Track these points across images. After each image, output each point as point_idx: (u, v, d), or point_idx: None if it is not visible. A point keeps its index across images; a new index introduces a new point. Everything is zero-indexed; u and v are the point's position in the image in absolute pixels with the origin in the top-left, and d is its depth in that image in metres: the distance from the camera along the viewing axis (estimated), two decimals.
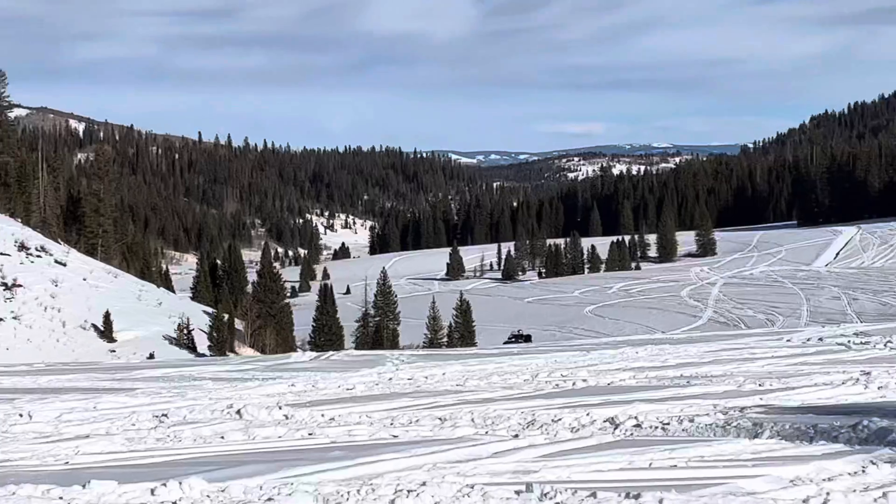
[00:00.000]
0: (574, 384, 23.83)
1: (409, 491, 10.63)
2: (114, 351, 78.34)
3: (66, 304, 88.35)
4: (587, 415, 17.12)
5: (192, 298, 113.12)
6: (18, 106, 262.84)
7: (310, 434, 16.26)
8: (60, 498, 10.60)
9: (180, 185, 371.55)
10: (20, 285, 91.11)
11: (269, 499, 10.45)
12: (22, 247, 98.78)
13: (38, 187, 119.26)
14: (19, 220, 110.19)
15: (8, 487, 10.92)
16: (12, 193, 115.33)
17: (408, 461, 12.90)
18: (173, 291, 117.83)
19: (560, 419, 16.85)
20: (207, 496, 10.67)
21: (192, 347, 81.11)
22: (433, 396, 21.90)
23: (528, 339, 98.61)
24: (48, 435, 16.85)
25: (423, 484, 11.02)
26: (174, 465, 13.16)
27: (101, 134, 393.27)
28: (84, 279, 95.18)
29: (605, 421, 16.49)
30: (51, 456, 14.20)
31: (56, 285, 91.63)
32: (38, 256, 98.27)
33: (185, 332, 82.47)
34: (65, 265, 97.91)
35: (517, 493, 10.51)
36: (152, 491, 10.85)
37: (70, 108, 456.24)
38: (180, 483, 10.96)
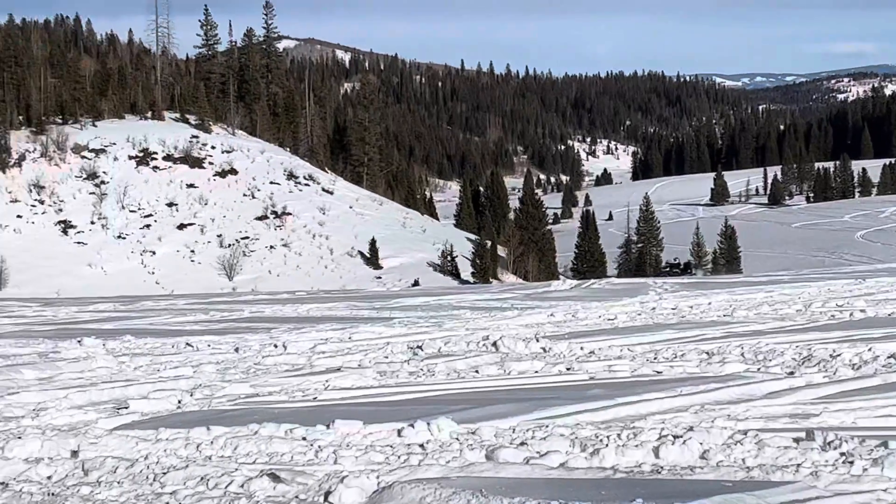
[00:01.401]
0: (851, 315, 22.26)
1: (674, 437, 9.62)
2: (379, 277, 79.42)
3: (333, 232, 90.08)
4: (869, 350, 15.72)
5: (456, 225, 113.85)
6: (286, 38, 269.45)
7: (567, 369, 15.38)
8: (303, 438, 10.04)
9: (443, 113, 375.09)
10: (290, 213, 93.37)
11: (522, 443, 9.63)
12: (291, 175, 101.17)
13: (305, 117, 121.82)
14: (288, 149, 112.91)
15: (250, 427, 10.45)
16: (281, 123, 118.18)
17: (672, 401, 11.89)
18: (437, 219, 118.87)
19: (839, 354, 15.47)
20: (456, 439, 9.93)
21: (455, 274, 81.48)
22: (699, 328, 20.74)
23: (685, 268, 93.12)
24: (300, 368, 16.49)
25: (690, 429, 9.99)
26: (424, 402, 12.51)
27: (367, 64, 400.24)
28: (350, 207, 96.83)
29: (889, 357, 15.05)
30: (299, 391, 13.76)
31: (323, 213, 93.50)
32: (306, 185, 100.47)
33: (449, 258, 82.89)
34: (332, 193, 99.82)
35: (796, 440, 9.35)
36: (399, 432, 10.19)
37: (336, 39, 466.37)
38: (428, 424, 10.25)
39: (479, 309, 28.96)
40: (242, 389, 13.89)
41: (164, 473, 8.70)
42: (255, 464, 9.10)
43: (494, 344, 18.21)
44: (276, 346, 19.44)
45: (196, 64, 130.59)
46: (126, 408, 12.48)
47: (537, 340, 18.53)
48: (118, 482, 8.59)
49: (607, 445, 9.38)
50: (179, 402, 12.95)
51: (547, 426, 10.37)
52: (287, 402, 12.75)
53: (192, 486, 8.35)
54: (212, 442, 9.97)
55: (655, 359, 16.34)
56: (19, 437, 10.43)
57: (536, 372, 15.20)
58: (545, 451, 9.23)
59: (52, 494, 8.29)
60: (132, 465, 9.00)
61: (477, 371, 15.39)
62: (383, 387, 14.00)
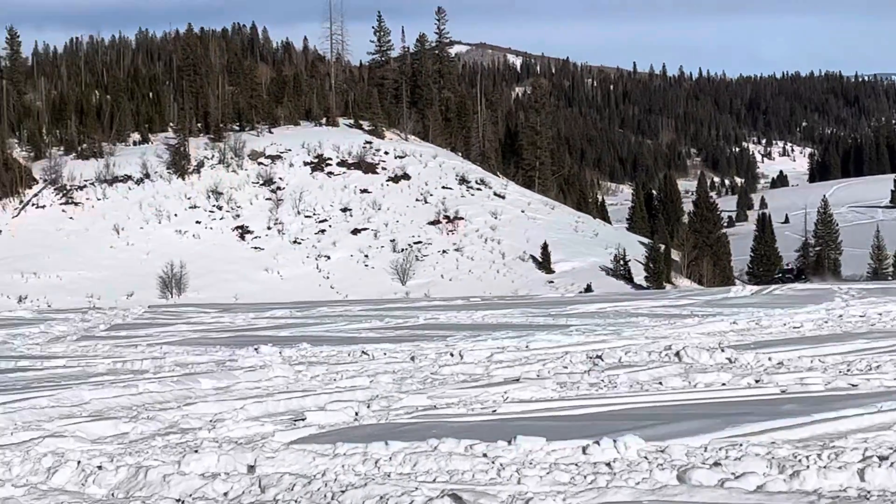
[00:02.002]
0: None
1: (879, 458, 8.94)
2: (552, 282, 78.89)
3: (505, 236, 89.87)
4: None
5: (628, 229, 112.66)
6: (458, 43, 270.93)
7: (756, 381, 14.67)
8: (484, 455, 9.64)
9: (615, 115, 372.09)
10: (462, 218, 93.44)
11: (716, 463, 9.08)
12: (462, 180, 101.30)
13: (477, 122, 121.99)
14: (460, 153, 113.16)
15: (430, 441, 10.09)
16: (453, 128, 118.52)
17: (873, 418, 11.15)
18: (609, 222, 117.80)
19: None
20: (645, 457, 9.42)
21: (628, 278, 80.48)
22: (892, 338, 19.72)
23: (797, 275, 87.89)
24: (477, 378, 16.10)
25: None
26: (608, 416, 11.99)
27: (538, 67, 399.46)
28: (522, 211, 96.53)
29: None
30: (478, 403, 13.36)
31: (495, 217, 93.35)
32: (478, 189, 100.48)
33: (622, 262, 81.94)
34: (503, 198, 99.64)
35: None
36: (584, 449, 9.72)
37: (507, 43, 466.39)
38: (615, 441, 9.76)
39: (657, 316, 28.23)
40: (420, 401, 13.56)
41: (343, 492, 8.39)
42: (435, 482, 8.75)
43: (677, 354, 17.58)
44: (452, 354, 19.12)
45: (369, 70, 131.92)
46: (303, 420, 12.26)
47: (722, 350, 17.83)
48: (295, 500, 8.34)
49: (808, 467, 8.78)
50: (356, 414, 12.68)
51: (741, 444, 9.79)
52: (466, 415, 12.36)
53: None
54: (390, 458, 9.65)
55: (849, 371, 15.53)
56: (196, 451, 10.28)
57: (724, 384, 14.54)
58: (741, 473, 8.72)
59: None
60: (309, 483, 8.72)
61: (660, 383, 14.81)
62: (564, 399, 13.52)
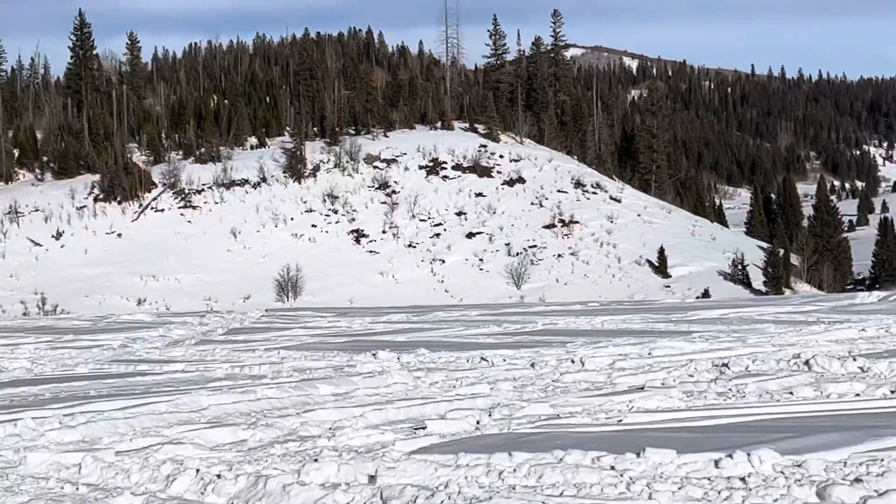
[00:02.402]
0: None
1: None
2: (668, 286, 77.96)
3: (620, 240, 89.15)
4: None
5: (746, 233, 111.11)
6: (574, 46, 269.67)
7: (892, 392, 14.08)
8: (612, 468, 9.29)
9: (733, 118, 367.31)
10: (577, 221, 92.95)
11: (857, 479, 8.63)
12: (578, 184, 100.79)
13: (592, 125, 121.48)
14: (575, 157, 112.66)
15: (555, 453, 9.75)
16: (568, 131, 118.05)
17: None
18: (726, 226, 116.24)
19: None
20: (781, 472, 8.99)
21: (746, 283, 79.18)
22: None
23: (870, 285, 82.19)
24: (600, 386, 15.72)
25: None
26: (739, 428, 11.54)
27: (654, 70, 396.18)
28: (638, 215, 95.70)
29: None
30: (602, 412, 12.97)
31: (611, 221, 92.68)
32: (594, 193, 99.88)
33: (740, 267, 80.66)
34: (619, 201, 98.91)
35: None
36: (716, 463, 9.31)
37: (623, 46, 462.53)
38: (748, 455, 9.34)
39: (782, 322, 27.48)
40: (542, 410, 13.22)
41: None
42: (562, 496, 8.43)
43: (807, 362, 17.00)
44: (573, 361, 18.74)
45: (484, 73, 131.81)
46: (423, 428, 12.00)
47: (854, 359, 17.20)
48: None
49: None
50: (478, 422, 12.39)
51: (882, 460, 9.31)
52: (590, 425, 12.00)
53: None
54: (514, 469, 9.33)
55: None
56: (315, 460, 10.07)
57: (858, 395, 13.97)
58: (884, 490, 8.27)
59: None
60: (432, 495, 8.44)
61: (791, 393, 14.28)
62: (691, 409, 13.08)
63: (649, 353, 19.89)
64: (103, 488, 9.61)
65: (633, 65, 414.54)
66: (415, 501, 8.36)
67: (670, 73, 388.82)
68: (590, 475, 9.03)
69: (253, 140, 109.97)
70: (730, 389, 14.65)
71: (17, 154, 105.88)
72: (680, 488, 8.51)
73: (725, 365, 17.16)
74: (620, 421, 12.23)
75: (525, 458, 9.69)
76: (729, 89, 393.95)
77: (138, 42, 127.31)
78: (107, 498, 9.09)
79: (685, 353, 19.66)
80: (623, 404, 13.50)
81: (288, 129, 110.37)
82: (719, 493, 8.39)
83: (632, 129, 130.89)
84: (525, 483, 8.97)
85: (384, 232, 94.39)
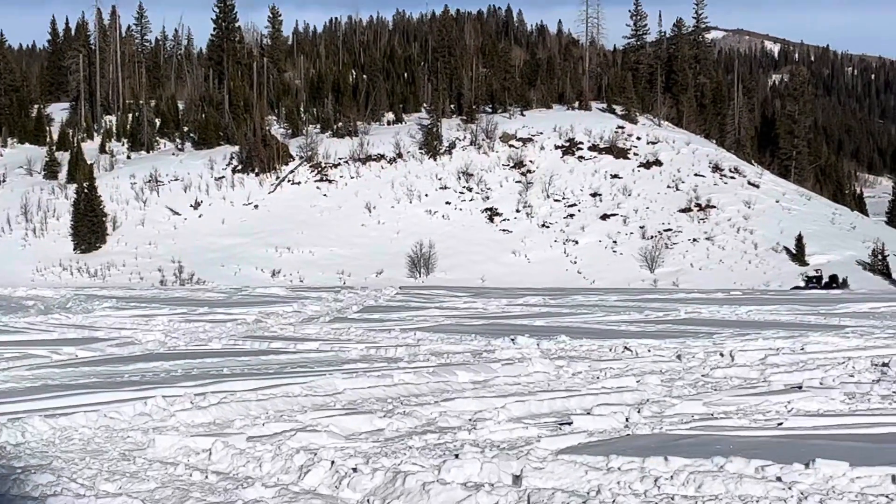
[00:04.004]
0: None
1: None
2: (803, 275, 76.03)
3: (757, 226, 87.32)
4: None
5: (887, 223, 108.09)
6: (715, 28, 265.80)
7: None
8: (778, 479, 8.54)
9: (875, 106, 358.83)
10: (713, 206, 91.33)
11: None
12: (716, 168, 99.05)
13: (732, 109, 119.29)
14: (713, 141, 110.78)
15: (714, 460, 9.01)
16: (707, 115, 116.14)
17: None
18: (866, 215, 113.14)
19: None
20: None
21: (886, 274, 76.85)
22: None
23: (829, 282, 73.94)
24: (753, 382, 14.88)
25: None
26: None
27: (796, 55, 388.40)
28: (776, 201, 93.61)
29: None
30: (759, 413, 12.18)
31: (749, 206, 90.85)
32: (732, 178, 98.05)
33: (880, 257, 78.30)
34: (757, 187, 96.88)
35: None
36: (893, 478, 8.49)
37: (765, 30, 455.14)
38: None
39: None
40: (695, 408, 12.46)
41: None
42: None
43: None
44: (721, 354, 17.90)
45: (623, 54, 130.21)
46: (569, 424, 11.34)
47: None
48: None
49: None
50: (627, 419, 11.68)
51: None
52: (748, 428, 11.20)
53: None
54: (671, 476, 8.62)
55: None
56: (456, 456, 9.47)
57: None
58: None
59: None
60: (584, 503, 7.78)
61: None
62: (855, 414, 12.19)
63: (802, 349, 18.90)
64: (233, 477, 9.16)
65: (775, 49, 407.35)
66: None
67: (812, 59, 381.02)
68: (754, 487, 8.32)
69: (390, 116, 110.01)
70: (894, 392, 13.70)
71: (158, 124, 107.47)
72: None
73: (885, 364, 16.16)
74: (780, 424, 11.43)
75: (682, 463, 8.99)
76: (873, 76, 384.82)
77: (280, 16, 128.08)
78: (237, 489, 8.63)
79: (840, 350, 18.63)
80: (781, 405, 12.68)
81: (425, 105, 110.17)
82: None
83: (772, 114, 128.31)
84: (684, 493, 8.29)
85: (518, 211, 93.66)
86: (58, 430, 11.28)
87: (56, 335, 23.61)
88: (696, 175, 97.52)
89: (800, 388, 14.09)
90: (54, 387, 14.73)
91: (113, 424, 11.68)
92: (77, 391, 14.06)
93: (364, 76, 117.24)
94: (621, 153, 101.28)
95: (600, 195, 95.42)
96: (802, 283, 69.14)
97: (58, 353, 19.09)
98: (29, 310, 31.29)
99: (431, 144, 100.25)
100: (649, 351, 18.94)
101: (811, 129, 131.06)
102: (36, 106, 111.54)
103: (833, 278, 67.94)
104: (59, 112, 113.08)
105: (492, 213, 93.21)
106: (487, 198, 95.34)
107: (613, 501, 7.94)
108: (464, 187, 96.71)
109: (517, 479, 8.79)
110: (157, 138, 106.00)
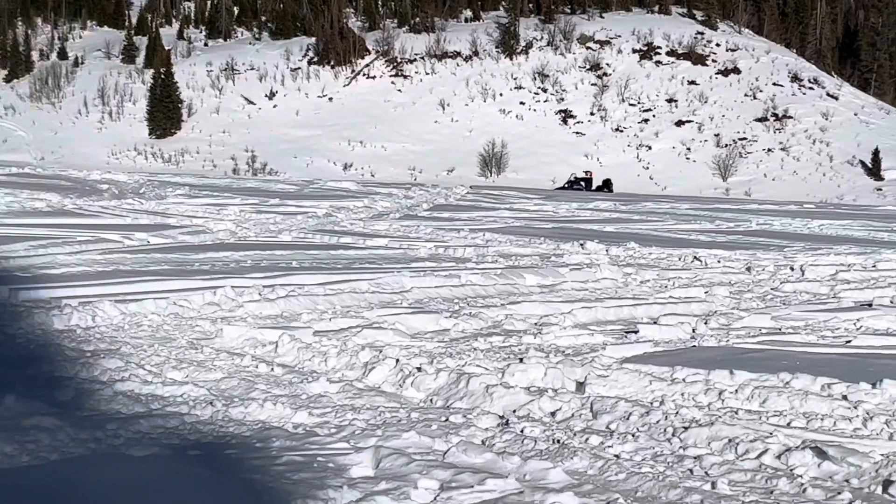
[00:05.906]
0: None
1: None
2: (880, 189, 75.10)
3: (834, 139, 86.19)
4: None
5: None
6: None
7: None
8: (844, 398, 8.45)
9: None
10: (790, 116, 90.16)
11: None
12: (795, 78, 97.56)
13: (815, 19, 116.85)
14: (794, 50, 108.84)
15: (780, 376, 8.94)
16: (789, 24, 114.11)
17: None
18: None
19: None
20: None
21: None
22: None
23: (600, 186, 66.39)
24: (823, 298, 14.75)
25: None
26: None
27: None
28: (855, 114, 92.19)
29: None
30: (828, 329, 12.05)
31: (826, 119, 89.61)
32: (810, 88, 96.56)
33: None
34: (836, 99, 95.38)
35: None
36: None
37: None
38: None
39: None
40: (762, 322, 12.37)
41: (685, 429, 7.37)
42: (790, 426, 7.65)
43: None
44: (792, 269, 17.76)
45: None
46: (635, 332, 11.32)
47: None
48: (632, 434, 7.37)
49: None
50: (693, 330, 11.63)
51: None
52: (816, 345, 11.09)
53: (719, 451, 7.00)
54: (736, 391, 8.57)
55: None
56: (521, 360, 9.49)
57: None
58: None
59: (558, 442, 7.17)
60: (647, 414, 7.76)
61: None
62: None
63: (874, 266, 18.69)
64: (299, 371, 9.23)
65: None
66: (628, 418, 7.71)
67: None
68: (820, 404, 8.24)
69: (467, 13, 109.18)
70: None
71: (236, 12, 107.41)
72: None
73: None
74: (849, 342, 11.32)
75: (748, 377, 8.93)
76: None
77: None
78: (302, 382, 8.69)
79: None
80: (850, 323, 12.54)
81: (503, 3, 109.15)
82: None
83: (855, 26, 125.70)
84: (748, 407, 8.24)
85: (592, 114, 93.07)
86: (127, 316, 11.40)
87: (129, 220, 23.82)
88: (774, 84, 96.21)
89: (870, 305, 13.95)
90: (125, 272, 14.86)
91: (182, 312, 11.79)
92: (148, 277, 14.19)
93: None
94: (699, 59, 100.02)
95: (676, 101, 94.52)
96: (566, 185, 65.61)
97: (130, 239, 19.24)
98: (103, 194, 31.55)
99: (508, 43, 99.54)
100: (719, 262, 18.81)
101: (894, 42, 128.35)
102: None
103: (606, 182, 65.13)
104: None
105: (565, 115, 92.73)
106: (562, 99, 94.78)
107: (677, 413, 7.91)
108: (539, 88, 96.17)
109: (581, 385, 8.79)
110: (235, 26, 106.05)
